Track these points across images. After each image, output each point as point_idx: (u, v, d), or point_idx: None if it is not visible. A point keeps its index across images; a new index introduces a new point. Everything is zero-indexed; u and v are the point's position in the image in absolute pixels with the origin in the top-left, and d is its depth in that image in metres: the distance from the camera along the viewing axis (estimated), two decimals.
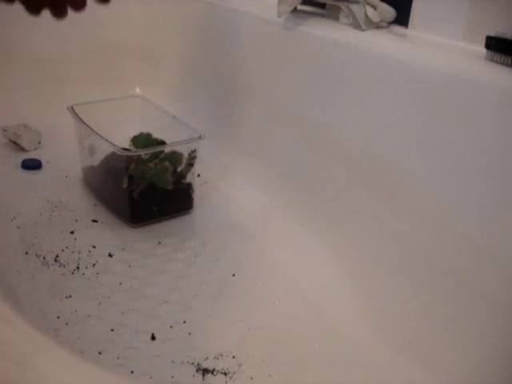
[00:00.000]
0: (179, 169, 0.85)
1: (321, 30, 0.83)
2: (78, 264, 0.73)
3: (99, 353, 0.59)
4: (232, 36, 1.04)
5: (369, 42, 0.76)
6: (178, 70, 1.22)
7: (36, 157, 0.99)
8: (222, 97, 1.08)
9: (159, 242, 0.80)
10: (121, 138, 0.84)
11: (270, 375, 0.59)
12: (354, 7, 0.79)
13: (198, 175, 0.92)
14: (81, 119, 0.87)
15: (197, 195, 0.89)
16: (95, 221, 0.84)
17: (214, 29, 1.10)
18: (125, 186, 0.81)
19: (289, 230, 0.84)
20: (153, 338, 0.62)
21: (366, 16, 0.78)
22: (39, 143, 1.03)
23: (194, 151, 0.85)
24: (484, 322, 0.57)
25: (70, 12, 0.56)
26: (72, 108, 0.89)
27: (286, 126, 0.90)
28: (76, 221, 0.83)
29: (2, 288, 0.59)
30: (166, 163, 0.83)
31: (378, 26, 0.80)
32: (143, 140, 0.93)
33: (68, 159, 0.98)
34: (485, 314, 0.57)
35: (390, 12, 0.80)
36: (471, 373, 0.57)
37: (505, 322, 0.55)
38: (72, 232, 0.80)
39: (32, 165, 0.96)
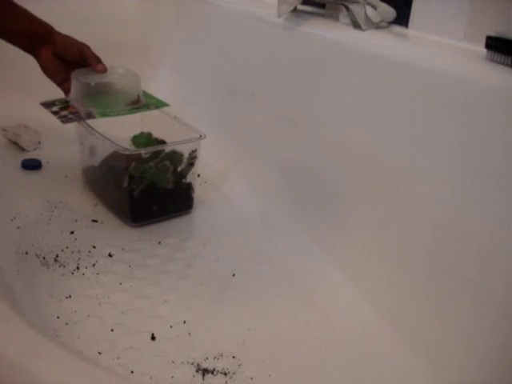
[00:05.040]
0: (179, 168, 0.85)
1: (321, 30, 0.83)
2: (78, 264, 0.73)
3: (99, 353, 0.59)
4: (232, 36, 1.04)
5: (369, 41, 0.76)
6: (178, 70, 1.22)
7: (36, 157, 0.99)
8: (222, 97, 1.08)
9: (159, 242, 0.80)
10: (121, 138, 0.84)
11: (269, 375, 0.59)
12: (354, 7, 0.79)
13: (198, 175, 0.92)
14: None
15: (197, 195, 0.89)
16: (95, 221, 0.84)
17: (214, 29, 1.10)
18: (125, 185, 0.81)
19: (289, 230, 0.84)
20: (153, 338, 0.62)
21: (366, 16, 0.78)
22: (39, 143, 1.03)
23: (194, 151, 0.85)
24: (486, 322, 0.57)
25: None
26: None
27: (286, 126, 0.90)
28: (76, 221, 0.83)
29: (2, 288, 0.59)
30: (167, 162, 0.83)
31: (378, 26, 0.80)
32: (144, 139, 0.93)
33: (68, 159, 0.98)
34: (487, 313, 0.57)
35: (389, 12, 0.80)
36: (473, 371, 0.57)
37: (506, 321, 0.55)
38: (72, 232, 0.80)
39: (32, 165, 0.96)
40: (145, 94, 0.87)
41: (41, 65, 0.83)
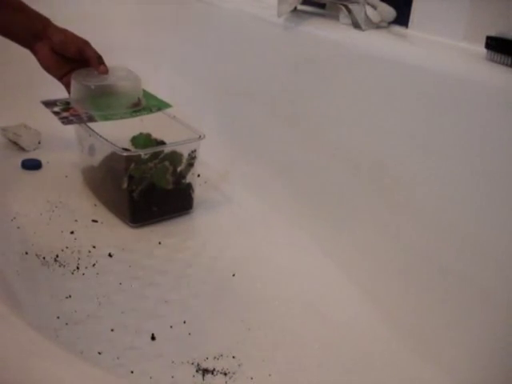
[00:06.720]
0: (179, 169, 0.85)
1: (321, 30, 0.83)
2: (78, 264, 0.73)
3: (99, 353, 0.59)
4: (232, 36, 1.04)
5: (369, 42, 0.76)
6: (178, 70, 1.22)
7: (36, 157, 0.99)
8: (221, 97, 1.08)
9: (159, 242, 0.80)
10: (121, 138, 0.84)
11: (269, 375, 0.59)
12: (354, 7, 0.79)
13: (198, 175, 0.92)
14: None
15: (197, 195, 0.89)
16: (95, 221, 0.84)
17: (213, 29, 1.09)
18: (125, 186, 0.81)
19: (289, 230, 0.84)
20: (153, 338, 0.62)
21: (366, 16, 0.78)
22: (39, 143, 1.03)
23: (194, 151, 0.85)
24: (485, 320, 0.57)
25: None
26: None
27: (286, 126, 0.90)
28: (76, 221, 0.83)
29: (2, 288, 0.59)
30: (166, 163, 0.83)
31: (378, 26, 0.80)
32: (143, 140, 0.93)
33: (68, 159, 0.98)
34: (486, 311, 0.57)
35: (390, 12, 0.80)
36: (471, 369, 0.57)
37: (505, 319, 0.55)
38: (72, 232, 0.80)
39: (32, 165, 0.96)
40: (148, 94, 0.87)
41: (39, 61, 0.81)
